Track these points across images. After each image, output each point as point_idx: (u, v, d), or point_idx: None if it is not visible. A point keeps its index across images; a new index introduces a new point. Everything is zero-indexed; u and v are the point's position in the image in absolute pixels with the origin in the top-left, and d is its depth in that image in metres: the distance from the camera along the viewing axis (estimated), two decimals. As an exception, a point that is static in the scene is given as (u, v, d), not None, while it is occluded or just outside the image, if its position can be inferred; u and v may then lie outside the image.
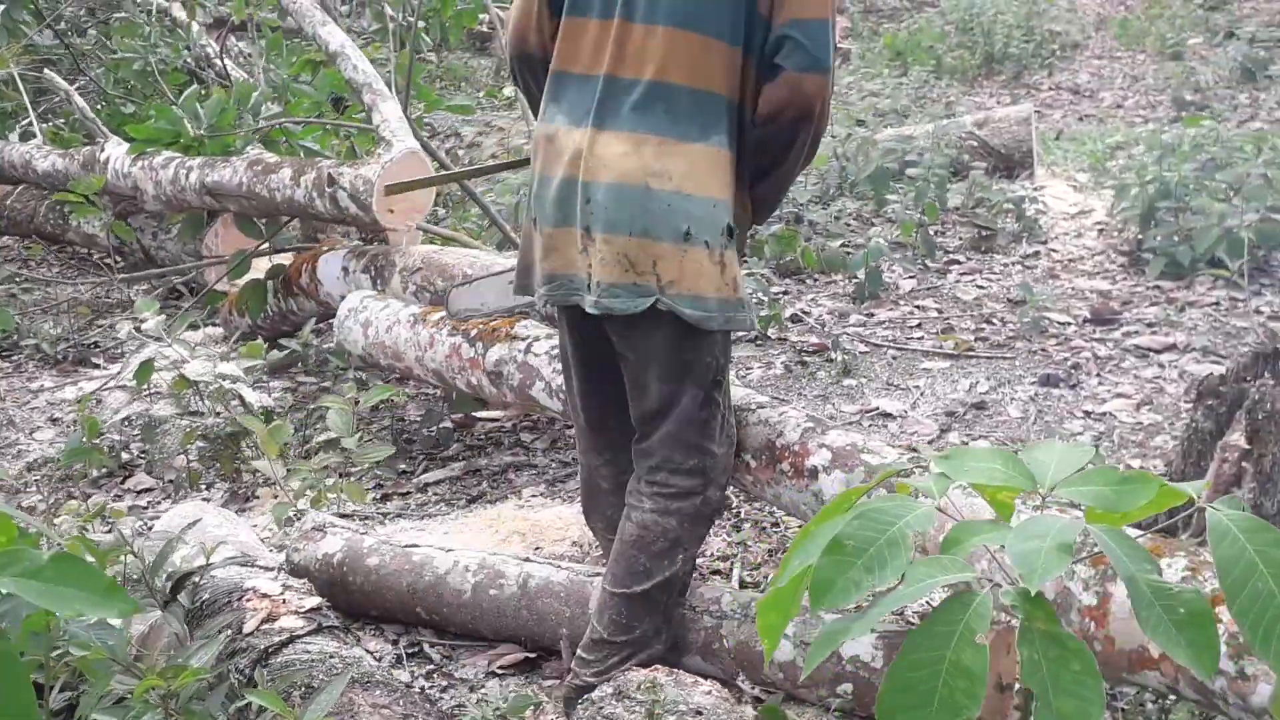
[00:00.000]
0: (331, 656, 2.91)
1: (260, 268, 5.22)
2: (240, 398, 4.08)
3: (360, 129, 5.10)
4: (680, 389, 2.88)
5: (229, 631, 2.97)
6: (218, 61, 8.67)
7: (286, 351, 4.78)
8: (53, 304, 6.11)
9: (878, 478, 1.52)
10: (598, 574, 3.21)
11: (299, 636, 2.99)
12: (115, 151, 5.88)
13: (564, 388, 3.24)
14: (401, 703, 2.79)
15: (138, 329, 4.08)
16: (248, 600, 3.14)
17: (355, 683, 2.76)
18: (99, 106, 8.19)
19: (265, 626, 3.05)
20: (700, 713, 2.58)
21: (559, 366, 3.81)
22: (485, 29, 12.60)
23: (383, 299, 4.38)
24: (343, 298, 4.80)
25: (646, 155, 2.75)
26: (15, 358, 5.65)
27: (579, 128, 2.81)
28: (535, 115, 3.06)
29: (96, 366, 5.51)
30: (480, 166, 3.92)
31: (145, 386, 4.08)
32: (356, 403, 4.03)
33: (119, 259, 6.53)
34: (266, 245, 5.44)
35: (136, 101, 7.84)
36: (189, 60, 8.51)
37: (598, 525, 3.29)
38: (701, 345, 2.87)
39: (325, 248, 4.96)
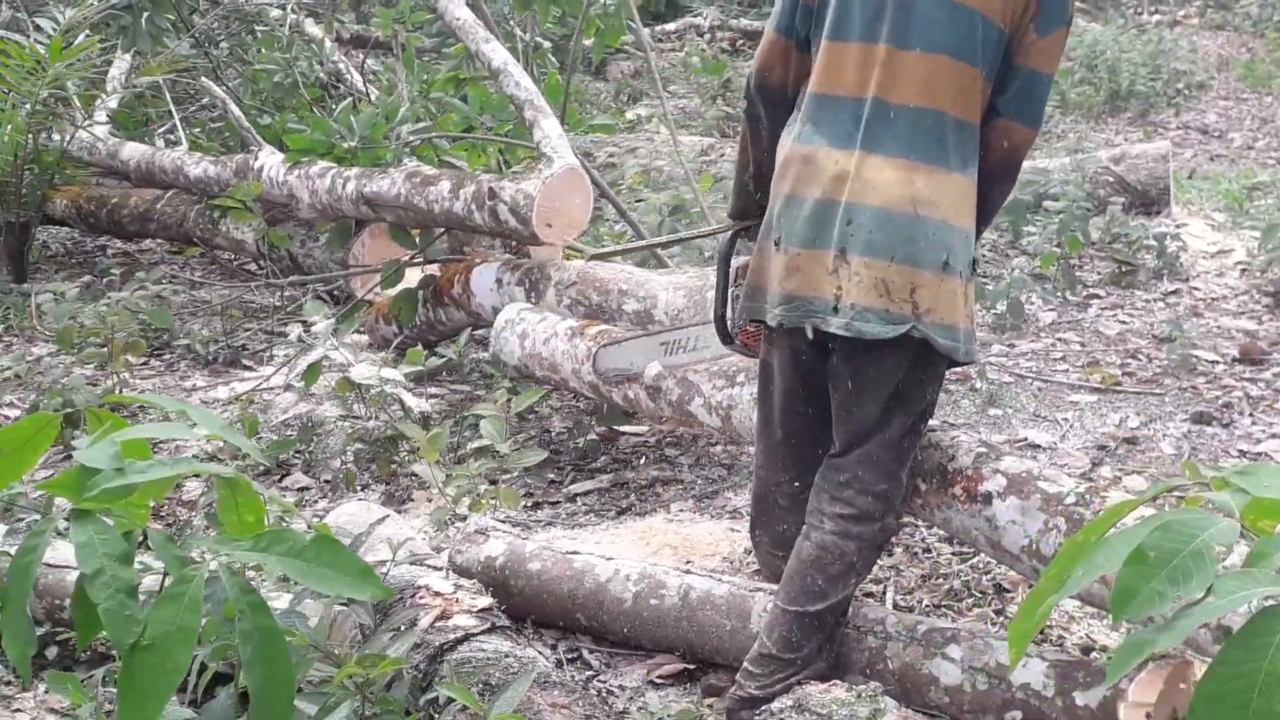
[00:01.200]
0: (507, 655, 2.97)
1: (412, 278, 5.32)
2: (401, 402, 4.16)
3: (515, 144, 5.18)
4: (892, 414, 2.93)
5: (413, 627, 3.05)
6: (348, 76, 8.89)
7: (443, 360, 4.87)
8: (204, 306, 6.26)
9: (1155, 489, 1.53)
10: (760, 589, 3.24)
11: (473, 635, 3.06)
12: (269, 160, 6.03)
13: (759, 404, 3.25)
14: (581, 703, 2.85)
15: (307, 331, 4.18)
16: (421, 598, 3.21)
17: (534, 682, 2.82)
18: (216, 117, 8.43)
19: (439, 624, 3.12)
20: (884, 728, 2.61)
21: (718, 384, 3.87)
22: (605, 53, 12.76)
23: (539, 311, 4.45)
24: (495, 309, 4.89)
25: (918, 183, 2.79)
26: (167, 357, 5.80)
27: (843, 149, 2.83)
28: (755, 147, 3.13)
29: (247, 368, 5.65)
30: (681, 235, 3.98)
31: (310, 388, 4.18)
32: (509, 410, 4.09)
33: (265, 265, 6.69)
34: (409, 256, 5.55)
35: (270, 113, 8.04)
36: (322, 75, 8.73)
37: (763, 540, 3.33)
38: (927, 376, 2.94)
39: (478, 260, 5.05)
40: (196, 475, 3.73)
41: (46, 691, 3.03)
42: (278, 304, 6.33)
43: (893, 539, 3.37)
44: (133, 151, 7.33)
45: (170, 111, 8.20)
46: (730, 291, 3.36)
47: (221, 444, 4.03)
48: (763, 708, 2.83)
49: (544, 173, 4.54)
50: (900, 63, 2.81)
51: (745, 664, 3.00)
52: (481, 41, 5.12)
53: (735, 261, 3.36)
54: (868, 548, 2.99)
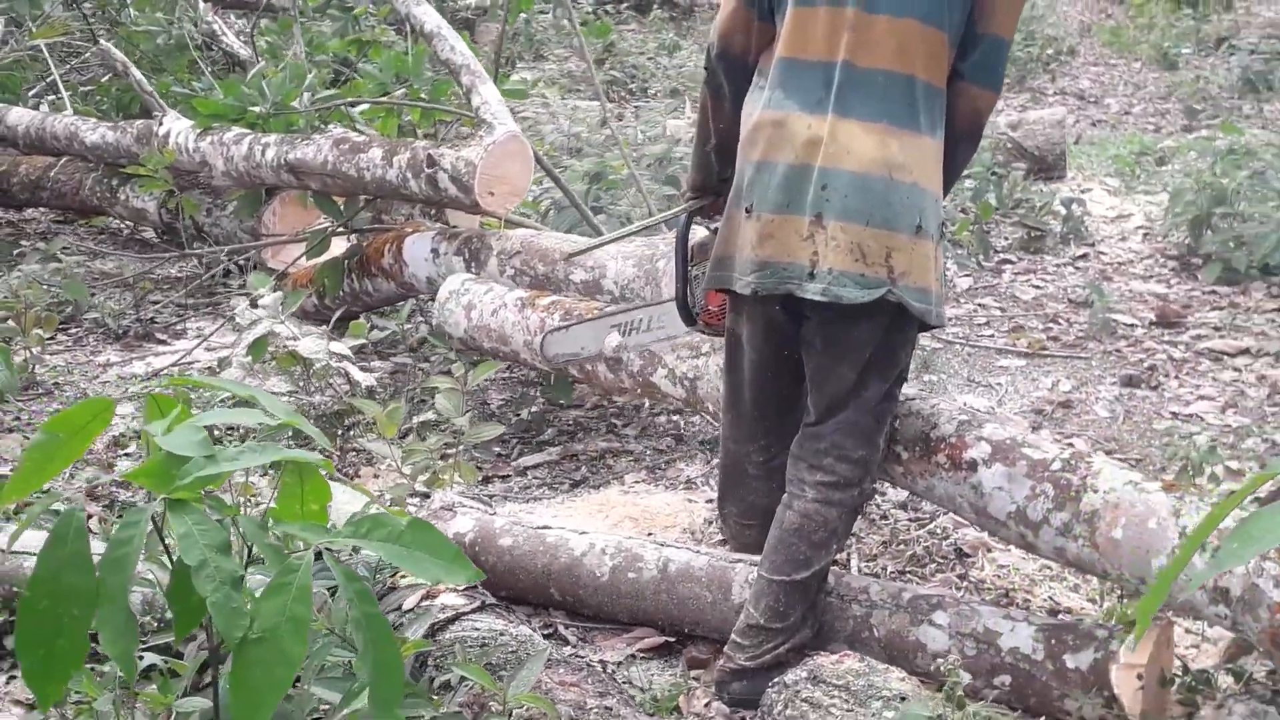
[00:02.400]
0: (502, 634, 2.94)
1: (336, 247, 5.21)
2: (347, 376, 4.08)
3: (442, 109, 5.09)
4: (869, 379, 2.94)
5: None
6: (223, 38, 8.65)
7: (386, 333, 4.78)
8: (107, 277, 6.06)
9: None
10: (739, 560, 3.25)
11: (464, 614, 3.02)
12: (176, 126, 5.84)
13: (726, 376, 3.24)
14: (589, 681, 2.83)
15: (253, 304, 4.07)
16: (400, 577, 3.15)
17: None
18: (107, 81, 8.16)
19: (426, 603, 3.07)
20: (904, 698, 2.63)
21: (683, 354, 3.86)
22: (470, 15, 12.61)
23: (484, 282, 4.38)
24: (429, 280, 4.81)
25: (892, 147, 2.80)
26: (74, 331, 5.60)
27: (814, 114, 2.83)
28: (718, 117, 3.11)
29: (161, 342, 5.48)
30: (643, 223, 3.91)
31: (256, 363, 4.06)
32: (465, 383, 4.02)
33: (166, 235, 6.49)
34: (332, 224, 5.43)
35: (148, 75, 7.78)
36: (197, 37, 8.48)
37: (732, 512, 3.33)
38: (901, 340, 2.95)
39: (410, 230, 4.96)
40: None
41: (8, 683, 2.93)
42: (191, 275, 6.14)
43: (867, 505, 3.39)
44: (20, 117, 7.04)
45: (45, 76, 7.91)
46: (690, 270, 3.35)
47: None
48: (770, 678, 2.85)
49: (485, 139, 4.46)
50: (870, 27, 2.81)
51: (733, 636, 3.00)
52: (412, 4, 4.99)
53: (693, 239, 3.35)
54: (848, 513, 3.02)
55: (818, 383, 2.97)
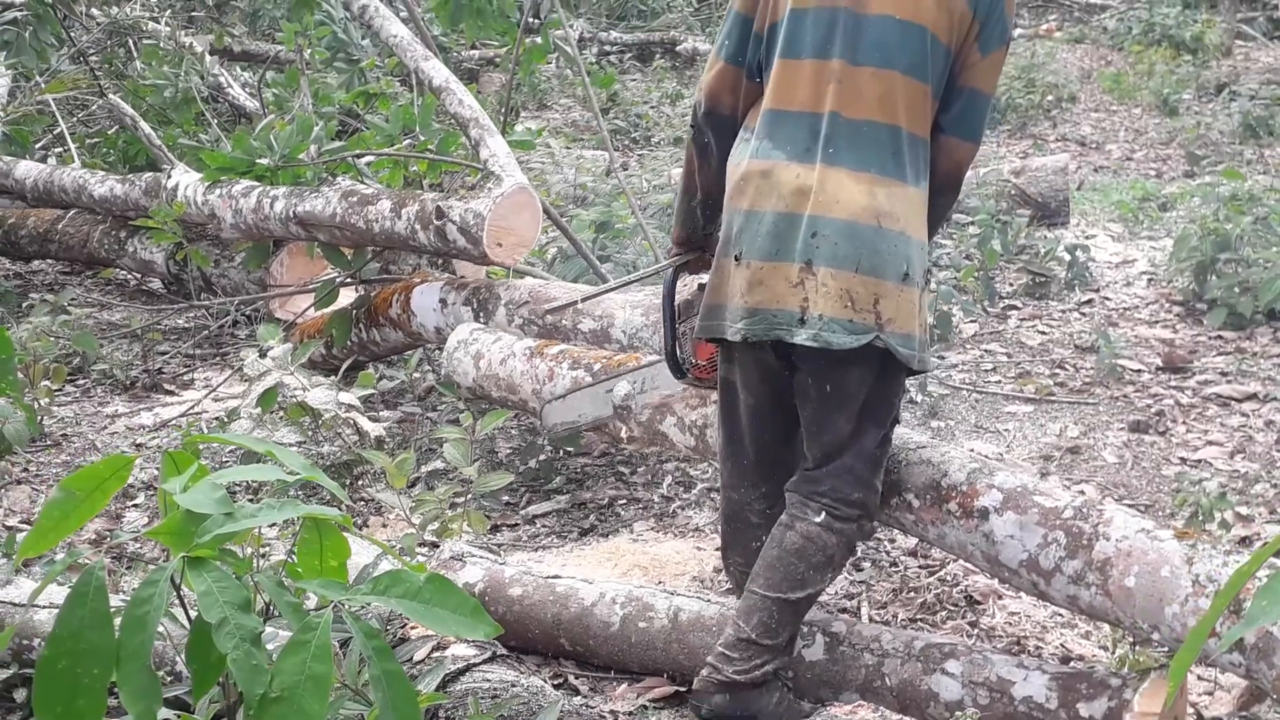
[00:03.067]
0: (514, 685, 2.93)
1: (344, 297, 5.23)
2: (356, 426, 4.08)
3: (450, 161, 5.12)
4: (864, 426, 2.97)
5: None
6: (229, 90, 8.72)
7: (395, 382, 4.79)
8: (114, 328, 6.08)
9: None
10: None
11: (475, 665, 3.01)
12: (184, 179, 5.88)
13: (722, 425, 3.26)
14: (603, 734, 2.82)
15: (262, 355, 4.08)
16: (411, 628, 3.15)
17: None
18: (114, 133, 8.22)
19: (436, 654, 3.07)
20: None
21: (692, 402, 3.87)
22: (474, 66, 12.70)
23: (493, 332, 4.40)
24: (437, 330, 4.83)
25: (880, 196, 2.85)
26: (82, 382, 5.61)
27: (802, 163, 2.88)
28: (704, 174, 3.15)
29: (169, 392, 5.49)
30: (630, 278, 3.96)
31: (265, 414, 4.07)
32: (473, 433, 4.03)
33: (174, 286, 6.52)
34: (340, 275, 5.45)
35: (154, 127, 7.83)
36: (204, 89, 8.55)
37: (737, 560, 3.32)
38: (892, 385, 3.00)
39: (419, 280, 4.98)
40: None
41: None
42: (199, 325, 6.16)
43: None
44: (28, 170, 7.09)
45: (53, 128, 7.97)
46: (678, 326, 3.37)
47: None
48: (751, 698, 2.91)
49: (494, 191, 4.49)
50: (855, 79, 2.87)
51: (720, 649, 3.01)
52: (421, 59, 5.04)
53: (679, 296, 3.37)
54: (846, 546, 3.04)
55: (814, 432, 3.00)
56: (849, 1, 2.89)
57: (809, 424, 3.01)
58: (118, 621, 1.58)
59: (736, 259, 2.94)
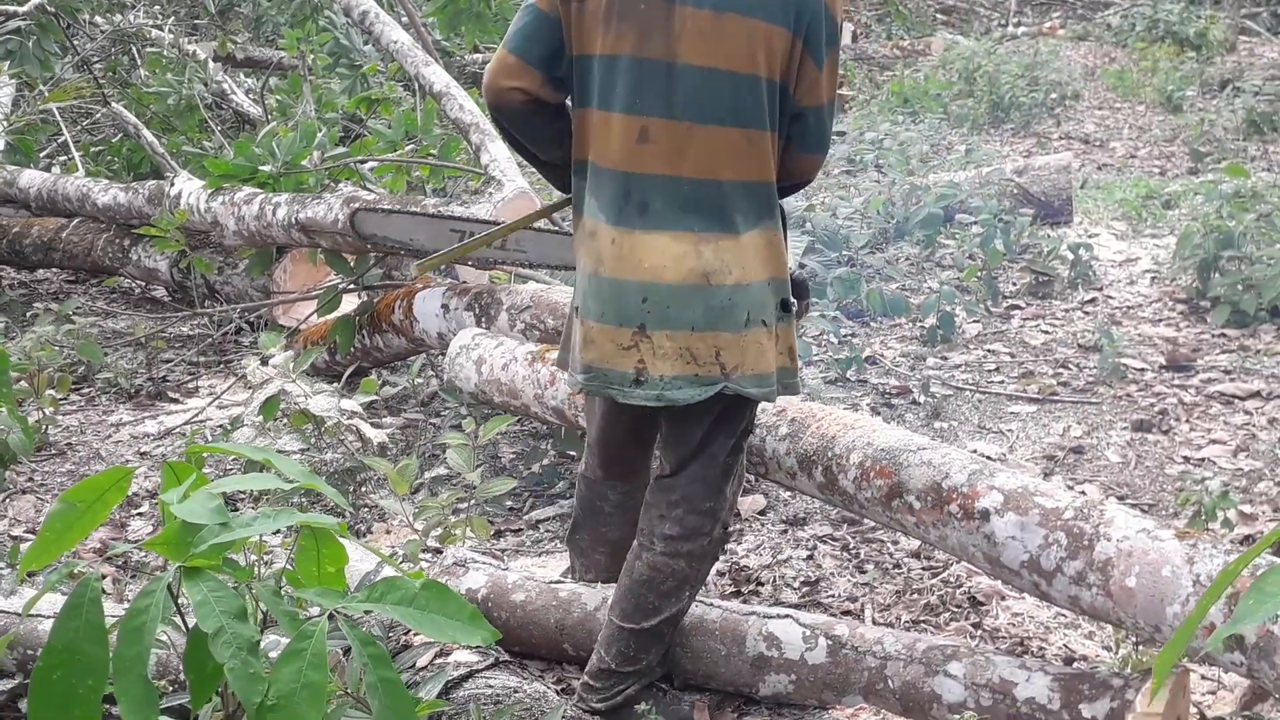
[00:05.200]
0: (516, 691, 2.94)
1: (347, 303, 5.24)
2: (359, 433, 4.09)
3: (452, 167, 5.12)
4: (715, 436, 3.00)
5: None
6: (233, 97, 8.73)
7: (397, 389, 4.80)
8: (119, 337, 6.09)
9: None
10: (754, 613, 3.26)
11: (478, 671, 3.02)
12: (187, 186, 5.89)
13: (589, 423, 3.33)
14: (604, 738, 2.83)
15: (264, 363, 4.09)
16: (414, 635, 3.15)
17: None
18: (117, 141, 8.23)
19: (439, 661, 3.07)
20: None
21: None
22: (477, 70, 12.72)
23: (495, 337, 4.40)
24: (439, 335, 4.83)
25: (706, 254, 2.79)
26: (87, 391, 5.62)
27: (624, 227, 2.81)
28: (538, 144, 3.00)
29: (173, 400, 5.50)
30: (490, 232, 3.74)
31: (268, 422, 4.08)
32: (476, 439, 4.04)
33: (178, 294, 6.53)
34: (343, 281, 5.46)
35: (158, 134, 7.85)
36: (207, 96, 8.56)
37: (584, 540, 3.43)
38: (749, 407, 3.03)
39: (421, 285, 4.98)
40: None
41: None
42: (203, 333, 6.17)
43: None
44: (31, 179, 7.10)
45: (56, 137, 8.00)
46: None
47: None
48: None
49: (495, 196, 4.50)
50: (673, 135, 2.77)
51: (585, 678, 3.09)
52: (422, 64, 5.05)
53: None
54: (697, 561, 3.07)
55: (669, 442, 3.05)
56: (660, 52, 2.74)
57: (665, 435, 3.07)
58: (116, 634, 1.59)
59: (575, 311, 2.96)
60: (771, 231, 2.88)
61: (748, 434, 3.09)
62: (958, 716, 2.87)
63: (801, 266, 6.04)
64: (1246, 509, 4.03)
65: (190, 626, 1.73)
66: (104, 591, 3.62)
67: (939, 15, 17.19)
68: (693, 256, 2.78)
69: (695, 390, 2.83)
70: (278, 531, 3.48)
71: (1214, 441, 4.60)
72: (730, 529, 3.22)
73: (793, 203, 6.75)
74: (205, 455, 4.05)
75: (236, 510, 2.30)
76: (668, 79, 2.75)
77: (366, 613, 2.65)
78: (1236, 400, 4.94)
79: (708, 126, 2.76)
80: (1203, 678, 3.15)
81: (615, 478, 3.29)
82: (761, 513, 4.25)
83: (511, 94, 2.85)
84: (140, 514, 4.42)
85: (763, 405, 3.44)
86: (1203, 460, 4.47)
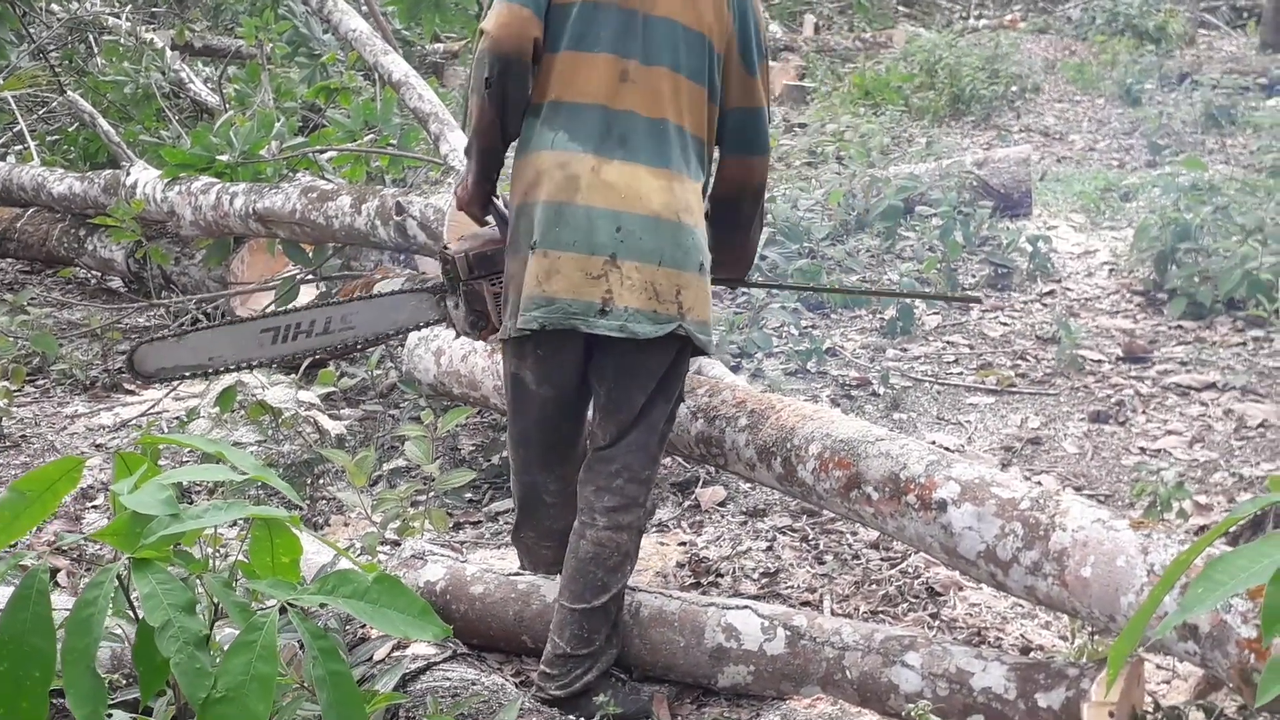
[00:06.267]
0: (474, 684, 2.93)
1: (305, 294, 5.21)
2: (316, 424, 4.06)
3: (411, 156, 5.09)
4: (655, 402, 3.10)
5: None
6: (190, 86, 8.67)
7: (355, 380, 4.77)
8: (74, 327, 6.03)
9: (1258, 502, 1.54)
10: (713, 604, 3.26)
11: (435, 664, 3.01)
12: (143, 176, 5.84)
13: (513, 418, 3.30)
14: (562, 730, 2.82)
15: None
16: (370, 627, 3.14)
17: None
18: (74, 130, 8.16)
19: (396, 654, 3.06)
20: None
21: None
22: (439, 59, 12.67)
23: (454, 328, 4.38)
24: (399, 326, 4.80)
25: (677, 191, 2.98)
26: (41, 382, 5.57)
27: (604, 156, 2.96)
28: (510, 116, 3.04)
29: (129, 392, 5.45)
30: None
31: (225, 414, 4.05)
32: (434, 430, 4.02)
33: (134, 284, 6.47)
34: (300, 272, 5.43)
35: (115, 123, 7.78)
36: (165, 85, 8.50)
37: (529, 535, 3.45)
38: (683, 366, 3.16)
39: (380, 276, 4.96)
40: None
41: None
42: (159, 324, 6.12)
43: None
44: (-16, 168, 7.03)
45: (11, 126, 7.91)
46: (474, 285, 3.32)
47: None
48: (580, 706, 3.01)
49: (454, 186, 4.46)
50: (649, 78, 2.99)
51: (542, 667, 3.13)
52: (381, 53, 5.02)
53: (469, 250, 3.30)
54: (635, 534, 3.16)
55: (609, 410, 3.11)
56: (639, 4, 3.00)
57: (605, 403, 3.11)
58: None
59: (532, 248, 2.97)
60: (703, 186, 3.11)
61: (679, 402, 3.21)
62: (914, 706, 2.88)
63: (763, 258, 6.04)
64: (1202, 499, 4.06)
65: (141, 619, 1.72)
66: (57, 584, 3.60)
67: (901, 8, 17.24)
68: (667, 191, 2.96)
69: (653, 327, 2.94)
70: (235, 524, 3.47)
71: (1170, 432, 4.63)
72: (655, 508, 3.27)
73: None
74: (162, 447, 4.02)
75: (192, 503, 2.29)
76: (644, 27, 2.99)
77: (322, 606, 2.65)
78: (1192, 391, 4.97)
79: (677, 75, 3.01)
80: (1158, 667, 3.16)
81: (554, 463, 3.30)
82: (721, 504, 4.25)
83: (530, 45, 2.98)
84: (95, 507, 4.38)
85: (723, 398, 3.46)
86: (1159, 451, 4.49)
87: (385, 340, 3.76)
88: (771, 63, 13.34)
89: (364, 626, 3.13)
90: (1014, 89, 11.63)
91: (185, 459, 4.49)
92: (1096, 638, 3.09)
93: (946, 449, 4.54)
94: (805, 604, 3.66)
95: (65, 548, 3.79)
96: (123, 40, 8.58)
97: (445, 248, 3.38)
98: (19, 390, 5.27)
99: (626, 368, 3.05)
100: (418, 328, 3.64)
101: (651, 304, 2.93)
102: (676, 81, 3.01)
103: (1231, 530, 3.30)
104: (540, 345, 3.08)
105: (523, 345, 3.11)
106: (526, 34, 2.96)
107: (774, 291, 5.73)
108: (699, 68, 3.04)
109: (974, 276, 6.51)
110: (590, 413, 3.22)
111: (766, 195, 3.38)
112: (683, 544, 3.99)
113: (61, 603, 1.95)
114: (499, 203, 3.24)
